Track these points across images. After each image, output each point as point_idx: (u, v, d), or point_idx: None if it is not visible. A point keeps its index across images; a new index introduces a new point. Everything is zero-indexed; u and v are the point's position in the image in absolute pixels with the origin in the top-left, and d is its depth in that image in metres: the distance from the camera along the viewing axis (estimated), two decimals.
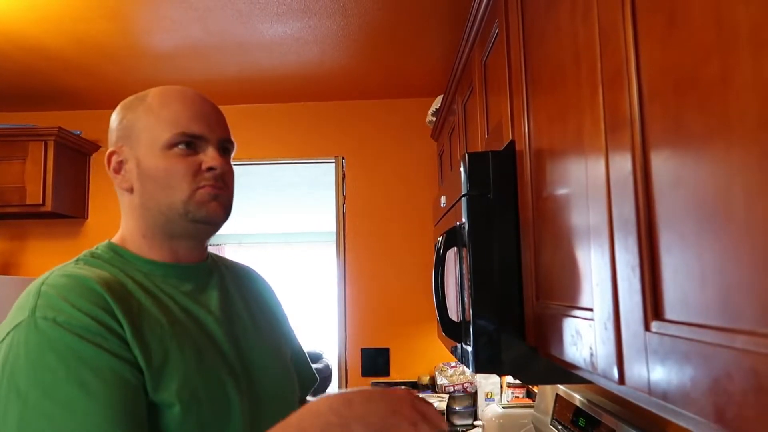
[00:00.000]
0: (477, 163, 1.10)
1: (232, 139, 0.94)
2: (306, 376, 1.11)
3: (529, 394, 2.27)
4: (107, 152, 0.90)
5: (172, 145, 0.86)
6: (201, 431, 0.78)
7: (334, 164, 2.96)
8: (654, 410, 0.57)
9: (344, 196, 2.94)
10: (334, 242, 2.94)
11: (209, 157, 0.88)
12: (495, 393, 2.44)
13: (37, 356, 0.69)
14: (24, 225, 2.95)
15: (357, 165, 2.96)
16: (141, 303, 0.80)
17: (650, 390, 0.53)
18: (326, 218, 7.12)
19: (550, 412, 1.63)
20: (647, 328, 0.54)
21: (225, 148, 0.92)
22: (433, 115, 2.59)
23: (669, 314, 0.51)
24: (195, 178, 0.86)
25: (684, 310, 0.49)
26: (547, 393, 1.72)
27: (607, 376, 0.63)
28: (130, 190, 0.88)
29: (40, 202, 2.61)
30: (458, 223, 1.17)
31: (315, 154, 2.98)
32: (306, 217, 7.21)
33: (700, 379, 0.45)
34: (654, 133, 0.54)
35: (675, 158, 0.51)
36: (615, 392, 0.65)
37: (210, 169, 0.87)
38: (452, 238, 1.20)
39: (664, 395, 0.51)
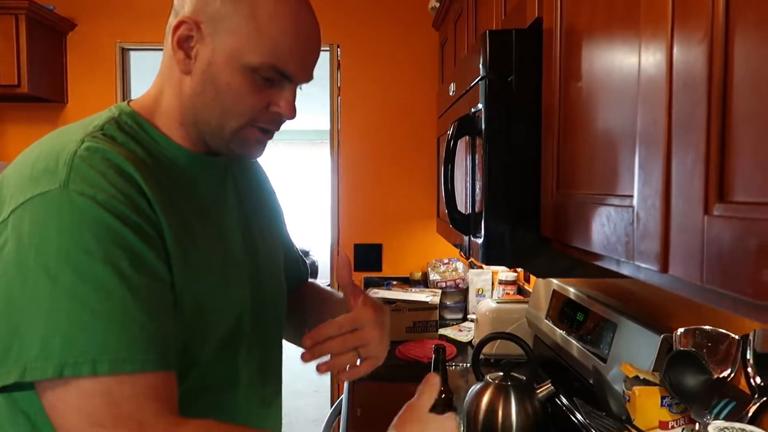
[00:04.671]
0: (499, 42, 1.01)
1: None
2: (294, 275, 1.09)
3: (521, 291, 2.31)
4: (177, 18, 0.74)
5: (255, 71, 0.74)
6: (205, 332, 0.77)
7: (328, 53, 2.80)
8: (696, 299, 0.53)
9: (339, 88, 2.81)
10: (327, 142, 2.85)
11: (284, 101, 0.78)
12: (486, 290, 2.48)
13: (72, 235, 0.63)
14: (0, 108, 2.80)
15: (353, 54, 2.80)
16: (170, 193, 0.74)
17: (703, 278, 0.50)
18: (318, 116, 6.93)
19: (545, 307, 1.65)
20: (707, 211, 0.49)
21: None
22: (437, 1, 2.42)
23: (738, 195, 0.46)
24: (257, 115, 0.77)
25: (759, 189, 0.44)
26: (540, 288, 1.74)
27: (647, 264, 0.59)
28: (187, 73, 0.76)
29: (15, 82, 2.45)
30: (472, 110, 1.10)
31: None
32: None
33: None
34: (742, 15, 0.46)
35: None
36: (652, 283, 0.61)
37: (276, 113, 0.78)
38: (464, 126, 1.13)
39: (722, 283, 0.47)
